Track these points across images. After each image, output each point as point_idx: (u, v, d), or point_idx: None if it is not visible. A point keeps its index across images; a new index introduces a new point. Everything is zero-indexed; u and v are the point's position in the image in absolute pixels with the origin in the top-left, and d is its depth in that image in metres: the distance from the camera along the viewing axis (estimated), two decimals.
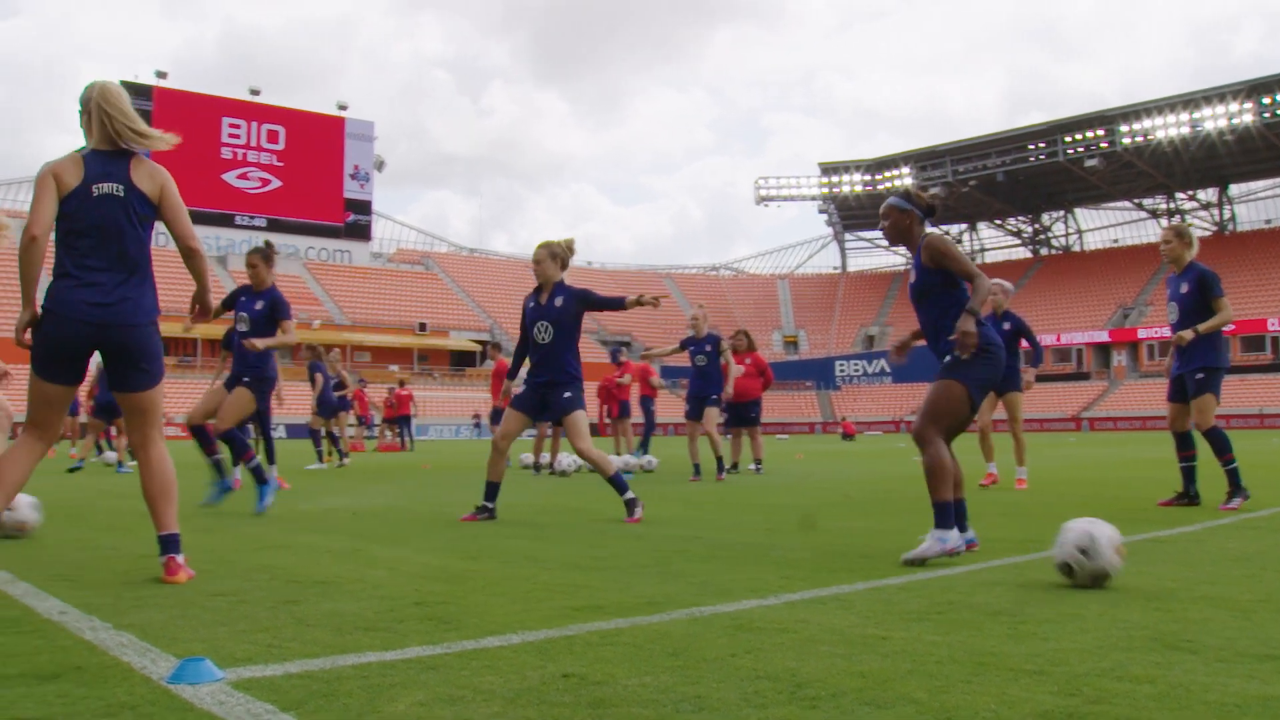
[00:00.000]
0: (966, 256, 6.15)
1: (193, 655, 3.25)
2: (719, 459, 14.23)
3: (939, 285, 6.17)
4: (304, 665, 3.33)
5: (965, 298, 6.06)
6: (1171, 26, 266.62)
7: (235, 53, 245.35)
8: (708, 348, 14.59)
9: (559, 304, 8.73)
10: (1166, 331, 9.42)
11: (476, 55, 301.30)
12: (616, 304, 8.76)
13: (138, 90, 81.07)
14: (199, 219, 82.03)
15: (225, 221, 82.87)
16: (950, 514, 5.79)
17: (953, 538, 5.74)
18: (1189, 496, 9.07)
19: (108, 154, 5.17)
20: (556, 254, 8.77)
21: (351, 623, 4.03)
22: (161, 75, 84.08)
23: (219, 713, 2.81)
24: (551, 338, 8.67)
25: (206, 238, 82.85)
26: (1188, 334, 8.69)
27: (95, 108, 5.17)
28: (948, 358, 6.01)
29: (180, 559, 5.19)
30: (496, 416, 20.08)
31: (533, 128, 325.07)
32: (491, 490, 8.60)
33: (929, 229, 6.38)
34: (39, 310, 5.03)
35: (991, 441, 12.34)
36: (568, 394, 8.68)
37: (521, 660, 3.40)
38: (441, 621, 4.06)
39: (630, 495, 8.42)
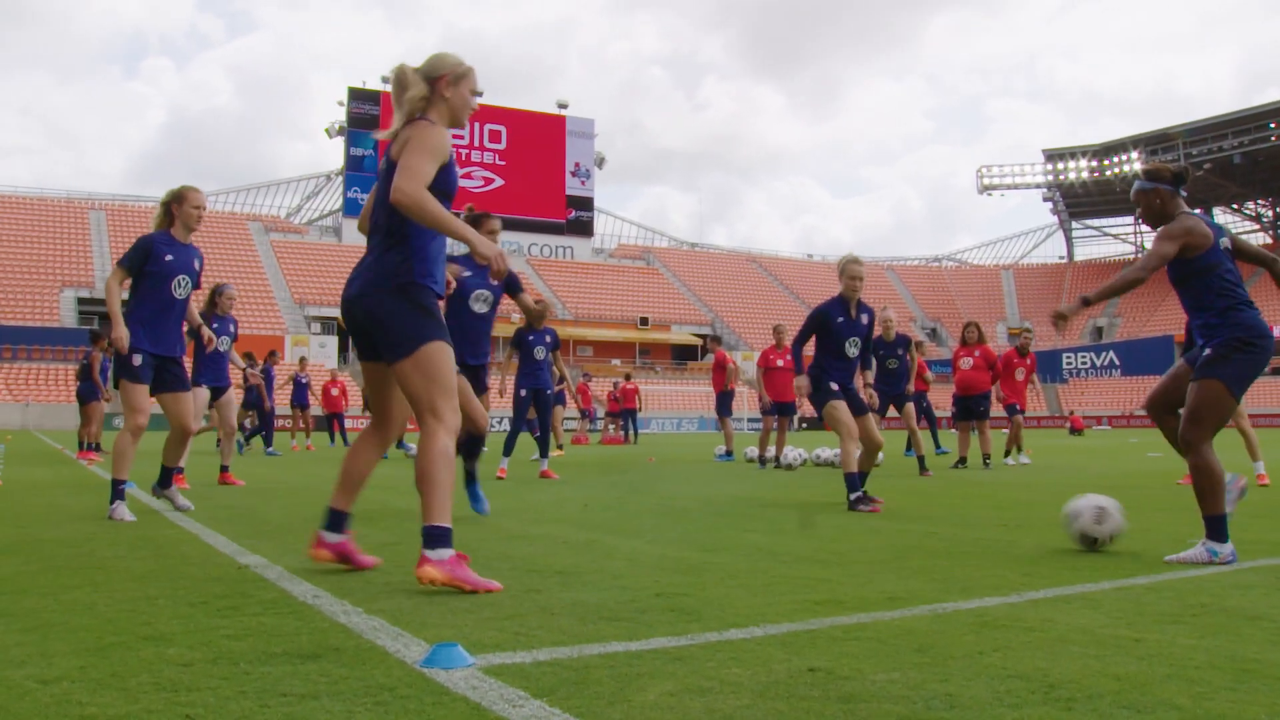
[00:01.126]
0: (1163, 251, 5.78)
1: (443, 641, 3.33)
2: (920, 456, 14.11)
3: (1188, 273, 5.84)
4: (551, 653, 3.38)
5: (1222, 282, 5.79)
6: None
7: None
8: (899, 350, 14.64)
9: (864, 321, 9.50)
10: None
11: (691, 51, 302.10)
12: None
13: (366, 96, 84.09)
14: None
15: None
16: (1223, 527, 5.55)
17: (1225, 551, 5.49)
18: None
19: None
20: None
21: (595, 612, 4.08)
22: (387, 80, 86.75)
23: (474, 697, 2.87)
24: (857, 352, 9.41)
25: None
26: None
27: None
28: (1206, 351, 5.71)
29: (435, 555, 4.66)
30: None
31: (749, 121, 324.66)
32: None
33: (1182, 208, 5.98)
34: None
35: (1253, 437, 11.85)
36: None
37: (766, 653, 3.39)
38: (683, 613, 4.07)
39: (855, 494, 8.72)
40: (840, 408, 9.13)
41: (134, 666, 3.20)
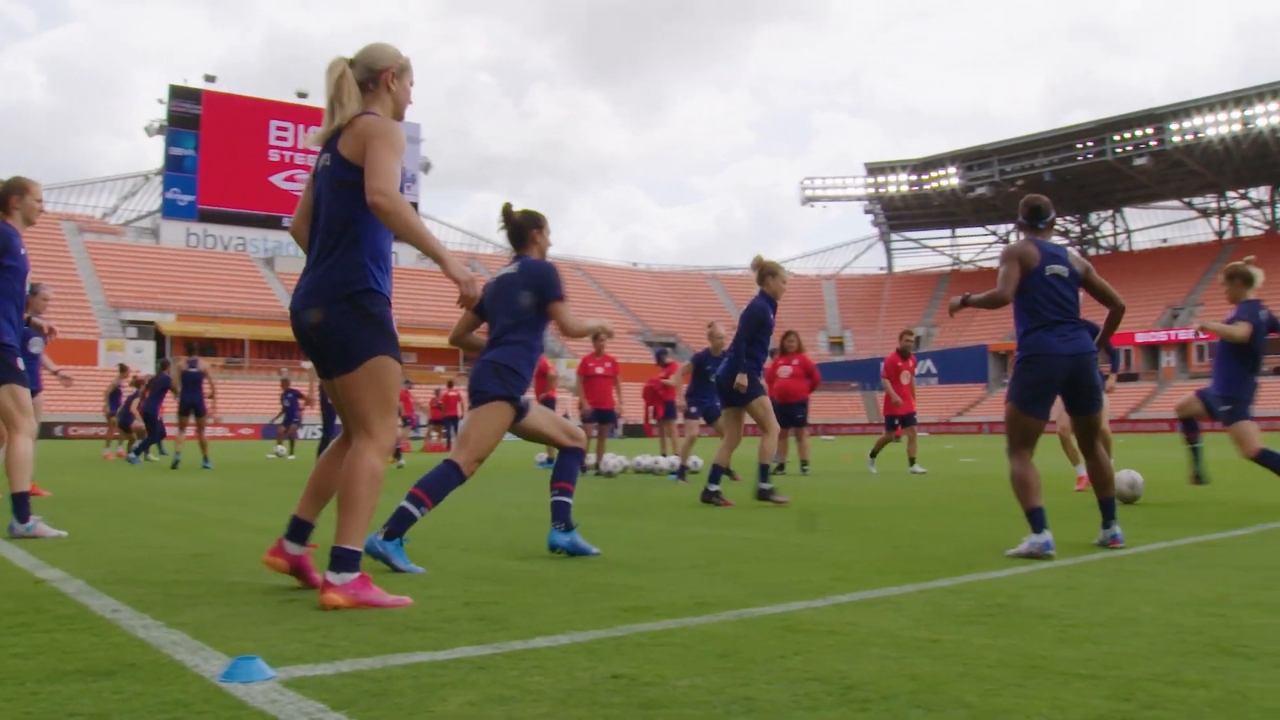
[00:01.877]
0: (1007, 272, 6.48)
1: (244, 654, 3.27)
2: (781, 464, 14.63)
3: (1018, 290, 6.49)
4: (355, 664, 3.35)
5: (1034, 304, 6.43)
6: (1219, 23, 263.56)
7: (281, 57, 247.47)
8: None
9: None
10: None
11: (520, 59, 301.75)
12: None
13: (188, 94, 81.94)
14: (247, 221, 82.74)
15: (273, 224, 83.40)
16: (1039, 519, 6.16)
17: (1040, 540, 6.06)
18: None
19: None
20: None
21: (401, 622, 4.05)
22: (210, 79, 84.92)
23: (271, 711, 2.82)
24: None
25: (254, 239, 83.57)
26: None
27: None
28: None
29: (337, 579, 4.46)
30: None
31: (576, 129, 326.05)
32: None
33: (1023, 238, 6.70)
34: None
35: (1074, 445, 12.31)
36: None
37: (571, 661, 3.41)
38: (491, 621, 4.07)
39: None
40: (768, 402, 10.07)
41: None
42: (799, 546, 6.59)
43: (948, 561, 5.83)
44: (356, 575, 4.47)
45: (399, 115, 4.98)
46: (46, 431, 38.48)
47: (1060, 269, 6.45)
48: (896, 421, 17.13)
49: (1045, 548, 5.97)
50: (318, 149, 4.87)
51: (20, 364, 7.29)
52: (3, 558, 6.12)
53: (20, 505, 7.20)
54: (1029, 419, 6.29)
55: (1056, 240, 6.73)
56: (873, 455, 17.06)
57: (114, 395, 25.01)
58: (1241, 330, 8.78)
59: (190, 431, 19.66)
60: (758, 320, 9.91)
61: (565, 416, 20.70)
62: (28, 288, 7.54)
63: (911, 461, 16.80)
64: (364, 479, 4.62)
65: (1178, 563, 5.82)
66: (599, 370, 16.91)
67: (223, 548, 6.64)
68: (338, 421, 6.23)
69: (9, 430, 7.33)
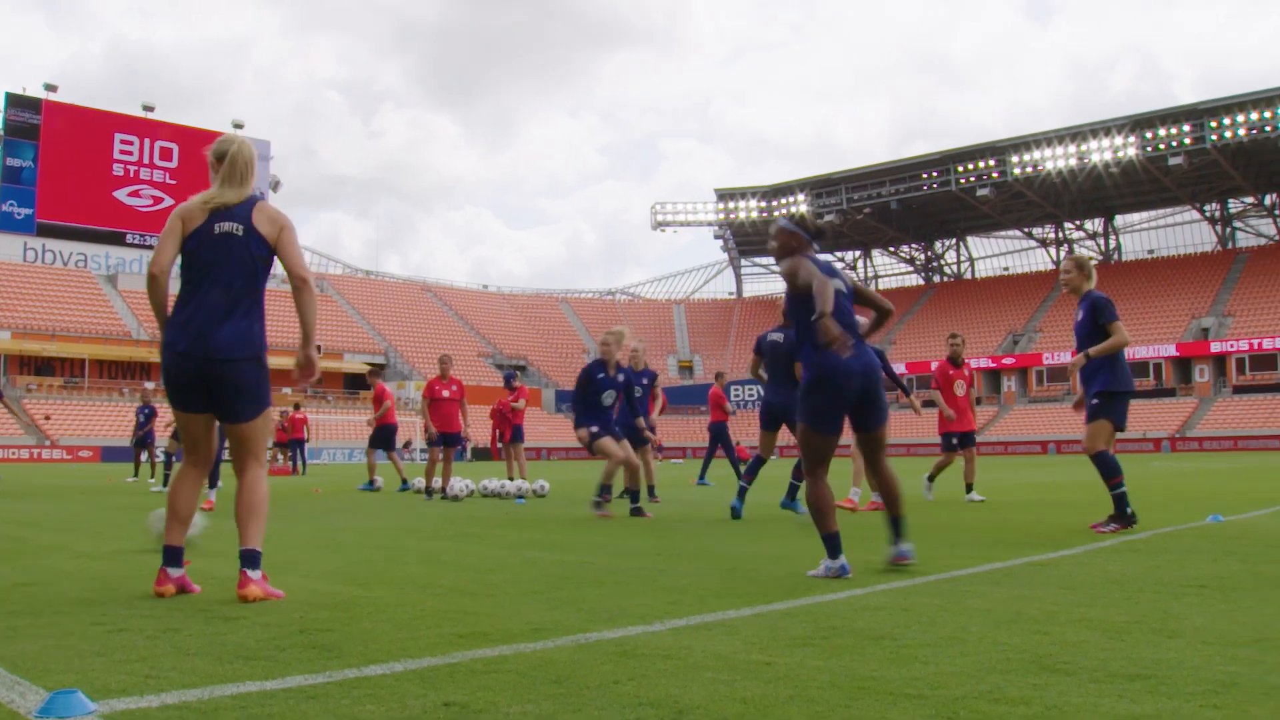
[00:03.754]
0: (808, 272, 6.31)
1: (64, 687, 3.18)
2: (650, 486, 15.09)
3: (797, 305, 6.46)
4: (180, 696, 3.27)
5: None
6: (1052, 62, 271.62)
7: (125, 69, 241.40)
8: (644, 381, 14.85)
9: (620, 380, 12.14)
10: (1055, 357, 9.62)
11: (369, 78, 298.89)
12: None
13: (26, 103, 79.41)
14: (89, 236, 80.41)
15: (116, 240, 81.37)
16: (833, 544, 6.19)
17: (835, 565, 6.15)
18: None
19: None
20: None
21: (233, 651, 3.97)
22: (51, 88, 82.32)
23: None
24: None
25: (95, 256, 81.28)
26: (1079, 359, 8.88)
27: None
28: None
29: (255, 574, 5.36)
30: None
31: (424, 150, 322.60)
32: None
33: (813, 254, 6.57)
34: None
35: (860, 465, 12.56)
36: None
37: (403, 689, 3.37)
38: (325, 649, 4.01)
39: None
40: (605, 441, 11.73)
41: None
42: (639, 571, 6.61)
43: (784, 584, 5.88)
44: (260, 572, 5.40)
45: None
46: None
47: (841, 285, 6.53)
48: (954, 440, 14.86)
49: (841, 571, 6.10)
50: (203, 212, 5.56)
51: None
52: None
53: None
54: (824, 438, 6.38)
55: (902, 267, 6.85)
56: (930, 479, 14.74)
57: None
58: (1124, 335, 8.91)
59: None
60: (582, 380, 12.01)
61: (408, 442, 20.70)
62: None
63: (969, 488, 14.54)
64: (265, 496, 5.60)
65: (1009, 582, 5.95)
66: (445, 394, 16.83)
67: (51, 576, 6.44)
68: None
69: None
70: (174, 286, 5.53)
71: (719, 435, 19.96)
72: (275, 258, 5.62)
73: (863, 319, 7.11)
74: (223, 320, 5.41)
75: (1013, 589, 5.68)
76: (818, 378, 6.29)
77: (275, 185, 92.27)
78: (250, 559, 5.37)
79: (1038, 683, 3.41)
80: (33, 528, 10.10)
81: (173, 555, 5.52)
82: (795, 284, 6.38)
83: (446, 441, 16.64)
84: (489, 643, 4.15)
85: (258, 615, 4.82)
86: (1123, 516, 8.80)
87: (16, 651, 4.01)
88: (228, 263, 5.45)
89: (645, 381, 14.94)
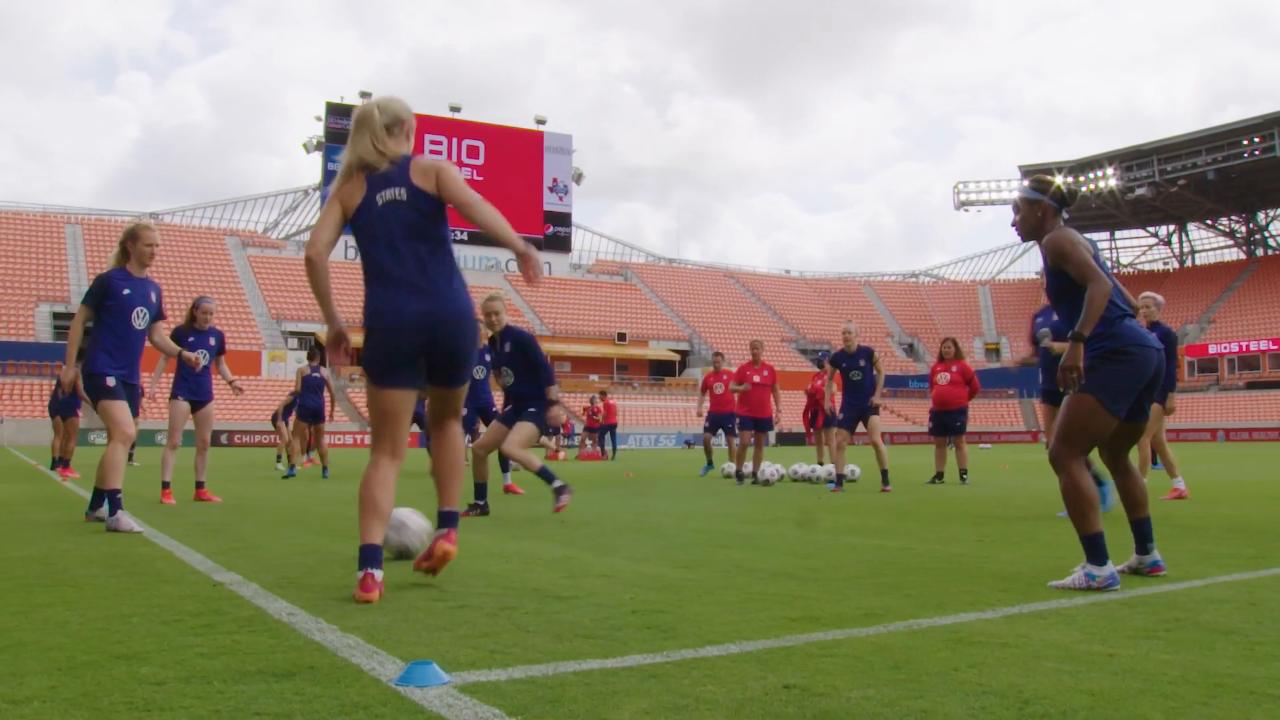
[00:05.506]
0: (1088, 258, 5.45)
1: (418, 659, 3.32)
2: (884, 470, 14.17)
3: (1070, 287, 5.54)
4: (527, 671, 3.37)
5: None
6: None
7: (428, 74, 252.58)
8: (861, 362, 14.60)
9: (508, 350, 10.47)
10: None
11: (661, 69, 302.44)
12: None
13: (344, 111, 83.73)
14: None
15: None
16: (1099, 547, 5.21)
17: (1103, 573, 5.16)
18: None
19: None
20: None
21: (570, 630, 4.07)
22: (365, 95, 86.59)
23: (448, 715, 2.86)
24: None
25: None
26: None
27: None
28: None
29: (453, 535, 5.37)
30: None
31: (719, 138, 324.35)
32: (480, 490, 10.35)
33: (1061, 224, 5.75)
34: None
35: (1169, 454, 11.96)
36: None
37: (742, 670, 3.39)
38: (659, 630, 4.07)
39: (559, 484, 9.59)
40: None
41: (106, 686, 3.18)
42: (962, 557, 6.47)
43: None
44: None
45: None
46: (215, 439, 39.59)
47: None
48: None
49: (1110, 582, 5.17)
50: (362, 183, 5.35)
51: (112, 382, 8.48)
52: (181, 560, 6.32)
53: (102, 500, 8.66)
54: (1109, 419, 5.42)
55: (1221, 241, 6.11)
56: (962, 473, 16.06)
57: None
58: None
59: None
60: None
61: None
62: (139, 318, 8.67)
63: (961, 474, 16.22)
64: (461, 453, 5.55)
65: None
66: (756, 379, 16.91)
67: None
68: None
69: (108, 438, 8.60)
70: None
71: None
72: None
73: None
74: (430, 288, 5.20)
75: None
76: (1122, 349, 5.38)
77: (578, 177, 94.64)
78: (450, 519, 5.43)
79: None
80: (348, 505, 10.62)
81: (371, 555, 4.96)
82: (1065, 265, 5.50)
83: (758, 426, 16.70)
84: (821, 627, 4.13)
85: (590, 596, 4.92)
86: None
87: (369, 623, 4.21)
88: (395, 229, 5.26)
89: (862, 363, 14.63)
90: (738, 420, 17.10)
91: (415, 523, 6.32)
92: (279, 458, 22.22)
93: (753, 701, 3.02)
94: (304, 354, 70.81)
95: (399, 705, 2.97)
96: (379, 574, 4.93)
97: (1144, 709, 2.94)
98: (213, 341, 11.84)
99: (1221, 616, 4.40)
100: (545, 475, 9.74)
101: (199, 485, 11.90)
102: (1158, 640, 3.89)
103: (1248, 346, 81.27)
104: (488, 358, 13.85)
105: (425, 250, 5.22)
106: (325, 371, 19.49)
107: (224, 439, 55.85)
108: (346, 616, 4.35)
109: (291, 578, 5.55)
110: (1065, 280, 5.54)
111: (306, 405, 18.99)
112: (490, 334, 10.54)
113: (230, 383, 11.90)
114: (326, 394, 19.24)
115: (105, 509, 8.37)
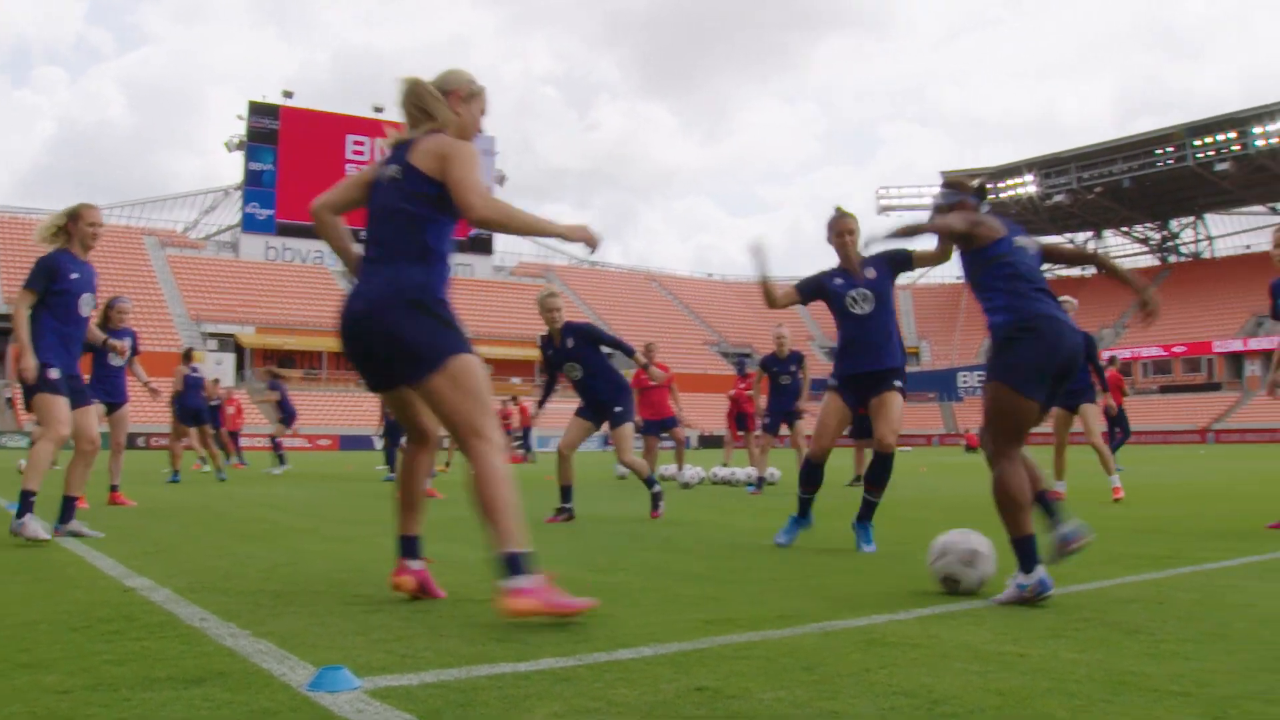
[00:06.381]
0: (973, 217, 5.39)
1: (330, 663, 3.30)
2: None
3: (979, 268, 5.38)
4: (439, 675, 3.36)
5: (998, 295, 5.26)
6: None
7: (351, 74, 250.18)
8: (791, 367, 14.81)
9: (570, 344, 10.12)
10: None
11: (584, 71, 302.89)
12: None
13: (266, 110, 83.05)
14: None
15: (351, 237, 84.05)
16: (1028, 552, 4.86)
17: (1031, 580, 4.79)
18: None
19: None
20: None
21: (484, 633, 4.07)
22: (288, 95, 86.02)
23: None
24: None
25: (332, 253, 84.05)
26: None
27: None
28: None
29: (404, 564, 4.95)
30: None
31: (641, 140, 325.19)
32: (566, 493, 9.81)
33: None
34: None
35: (1065, 458, 12.15)
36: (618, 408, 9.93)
37: (655, 673, 3.40)
38: (574, 633, 4.08)
39: (658, 489, 9.68)
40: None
41: (8, 696, 3.13)
42: (878, 559, 6.55)
43: None
44: (534, 578, 4.33)
45: (465, 138, 4.97)
46: (131, 442, 39.11)
47: (1027, 243, 5.58)
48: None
49: (1042, 588, 4.79)
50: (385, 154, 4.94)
51: (55, 375, 7.71)
52: (92, 565, 6.23)
53: (70, 512, 8.16)
54: (1027, 404, 5.06)
55: (1136, 248, 6.08)
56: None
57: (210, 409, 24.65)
58: None
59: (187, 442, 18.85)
60: None
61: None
62: (85, 305, 7.92)
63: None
64: (500, 482, 4.59)
65: (1272, 577, 5.71)
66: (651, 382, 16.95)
67: (305, 557, 6.71)
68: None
69: (38, 436, 7.93)
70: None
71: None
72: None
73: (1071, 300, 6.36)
74: (374, 273, 4.80)
75: (1275, 584, 5.45)
76: (1024, 327, 5.08)
77: (501, 179, 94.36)
78: (507, 566, 4.41)
79: None
80: (283, 511, 10.53)
81: (409, 545, 5.02)
82: (978, 236, 5.36)
83: (663, 426, 16.74)
84: (736, 629, 4.16)
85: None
86: None
87: (283, 628, 4.18)
88: (383, 209, 4.87)
89: (792, 368, 14.79)
90: (642, 424, 16.70)
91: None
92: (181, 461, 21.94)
93: (664, 704, 3.03)
94: (224, 355, 70.15)
95: (309, 711, 2.95)
96: (414, 564, 4.93)
97: (1050, 707, 2.99)
98: (129, 342, 11.67)
99: (1128, 616, 4.48)
100: (650, 482, 9.81)
101: (113, 489, 11.73)
102: (1066, 640, 3.96)
103: (1162, 351, 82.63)
104: (792, 368, 14.09)
105: (391, 232, 4.79)
106: (204, 370, 18.83)
107: (140, 442, 55.09)
108: (259, 622, 4.31)
109: (205, 582, 5.48)
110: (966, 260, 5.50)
111: (186, 406, 18.23)
112: (549, 331, 10.25)
113: (145, 384, 11.75)
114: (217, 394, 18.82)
115: (74, 523, 8.10)
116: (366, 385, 4.94)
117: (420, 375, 4.59)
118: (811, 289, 7.45)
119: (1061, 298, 10.97)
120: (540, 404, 10.88)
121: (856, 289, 7.26)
